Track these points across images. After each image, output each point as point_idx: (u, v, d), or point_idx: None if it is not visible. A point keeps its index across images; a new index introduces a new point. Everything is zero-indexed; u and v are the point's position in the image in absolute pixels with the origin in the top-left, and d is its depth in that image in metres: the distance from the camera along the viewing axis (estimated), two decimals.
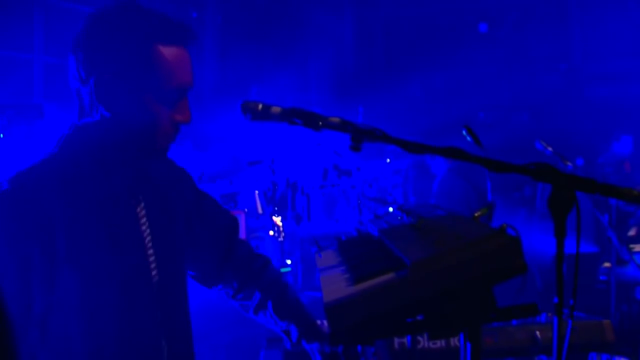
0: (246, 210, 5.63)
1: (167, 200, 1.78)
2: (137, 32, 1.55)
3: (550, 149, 4.01)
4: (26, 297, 1.49)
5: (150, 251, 1.68)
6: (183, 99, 1.63)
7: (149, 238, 1.68)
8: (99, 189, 1.60)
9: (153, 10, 1.61)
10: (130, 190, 1.67)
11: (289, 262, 5.84)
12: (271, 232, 5.84)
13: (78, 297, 1.53)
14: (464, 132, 1.74)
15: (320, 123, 1.51)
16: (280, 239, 5.80)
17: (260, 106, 1.55)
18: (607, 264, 5.06)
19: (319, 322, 2.01)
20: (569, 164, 3.91)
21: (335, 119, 1.51)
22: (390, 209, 2.10)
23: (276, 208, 6.02)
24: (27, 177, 1.55)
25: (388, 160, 6.79)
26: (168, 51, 1.57)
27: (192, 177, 1.98)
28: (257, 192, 6.11)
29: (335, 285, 1.43)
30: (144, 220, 1.68)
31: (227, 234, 2.03)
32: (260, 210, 6.04)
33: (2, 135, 3.53)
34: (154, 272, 1.67)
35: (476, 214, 1.53)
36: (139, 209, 1.68)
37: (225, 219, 2.04)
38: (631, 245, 4.91)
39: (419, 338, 2.51)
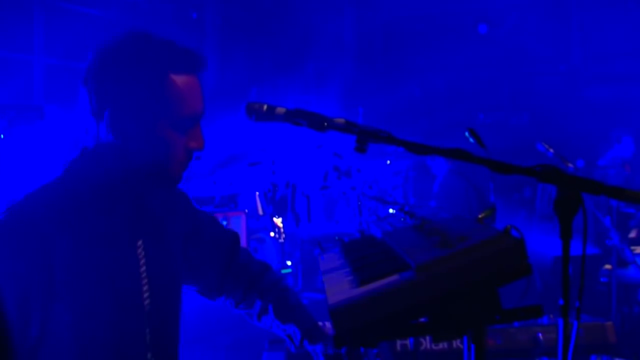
0: (246, 211, 5.62)
1: (164, 231, 1.78)
2: (149, 62, 1.55)
3: (551, 150, 4.01)
4: (21, 329, 1.48)
5: (146, 287, 1.67)
6: (196, 127, 1.63)
7: (144, 268, 1.67)
8: (99, 224, 1.59)
9: (163, 39, 1.60)
10: (130, 226, 1.66)
11: (289, 263, 5.84)
12: (272, 234, 5.84)
13: (70, 329, 1.52)
14: (466, 134, 1.74)
15: (325, 124, 1.51)
16: (281, 240, 5.80)
17: (265, 107, 1.55)
18: (607, 266, 5.06)
19: (320, 323, 2.01)
20: (571, 165, 3.92)
21: (341, 120, 1.51)
22: (392, 210, 2.10)
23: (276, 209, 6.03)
24: (28, 207, 1.53)
25: (388, 161, 6.79)
26: (180, 80, 1.57)
27: (189, 198, 1.98)
28: (257, 193, 6.11)
29: (339, 287, 1.42)
30: (142, 255, 1.68)
31: (227, 252, 2.03)
32: (260, 212, 6.04)
33: (2, 136, 3.52)
34: (146, 302, 1.67)
35: (480, 216, 1.52)
36: (138, 244, 1.67)
37: (224, 238, 2.04)
38: (632, 247, 4.91)
39: (422, 340, 2.51)
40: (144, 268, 1.67)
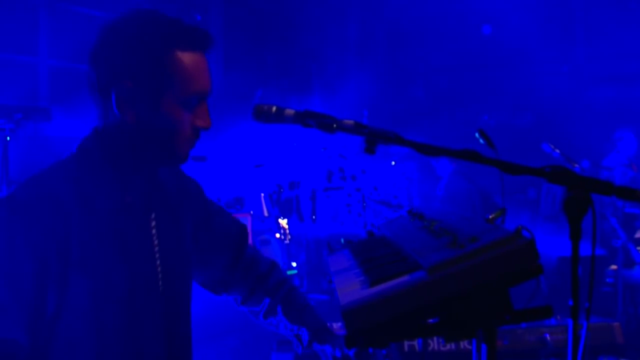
0: (252, 212, 5.63)
1: (176, 211, 1.79)
2: (155, 38, 1.54)
3: (557, 151, 4.01)
4: (40, 300, 1.49)
5: (158, 261, 1.68)
6: (202, 105, 1.63)
7: (157, 248, 1.68)
8: (114, 197, 1.60)
9: (169, 16, 1.60)
10: (144, 200, 1.67)
11: (294, 264, 5.84)
12: (277, 235, 5.84)
13: (87, 301, 1.53)
14: (476, 135, 1.74)
15: (335, 125, 1.52)
16: (286, 241, 5.81)
17: (274, 109, 1.56)
18: (613, 267, 5.06)
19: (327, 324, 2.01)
20: (577, 165, 3.92)
21: (350, 122, 1.52)
22: (401, 212, 2.10)
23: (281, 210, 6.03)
24: (45, 180, 1.55)
25: (393, 162, 6.79)
26: (187, 57, 1.57)
27: (201, 187, 1.98)
28: (262, 194, 6.11)
29: (350, 287, 1.43)
30: (154, 230, 1.68)
31: (236, 244, 2.02)
32: (266, 213, 6.05)
33: (9, 138, 3.54)
34: (160, 282, 1.68)
35: (490, 217, 1.53)
36: (151, 217, 1.68)
37: (233, 229, 2.03)
38: (638, 248, 4.91)
39: (429, 340, 2.51)
40: (156, 242, 1.68)
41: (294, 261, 5.86)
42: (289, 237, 5.79)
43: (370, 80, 9.56)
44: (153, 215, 1.68)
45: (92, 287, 1.53)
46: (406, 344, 2.48)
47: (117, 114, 1.56)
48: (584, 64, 9.32)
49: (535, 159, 1.97)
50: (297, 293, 2.07)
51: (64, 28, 6.10)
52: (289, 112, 1.57)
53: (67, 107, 5.38)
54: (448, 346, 2.51)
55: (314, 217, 6.34)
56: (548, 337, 2.63)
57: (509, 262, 1.27)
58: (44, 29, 6.21)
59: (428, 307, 1.28)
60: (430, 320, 1.32)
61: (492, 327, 1.34)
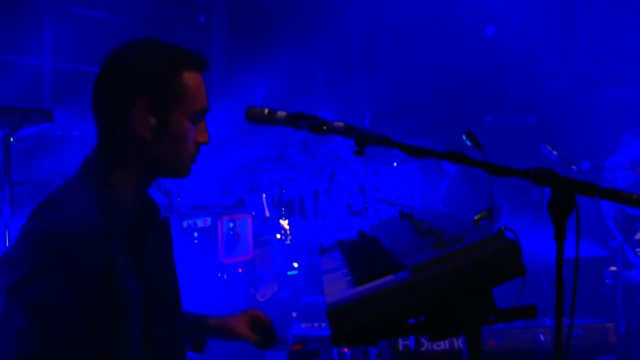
0: (253, 213, 5.65)
1: (163, 223, 1.89)
2: (164, 60, 1.61)
3: (555, 152, 4.02)
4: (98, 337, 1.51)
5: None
6: (203, 122, 1.70)
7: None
8: (135, 208, 1.67)
9: (170, 42, 1.67)
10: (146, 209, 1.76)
11: (295, 265, 5.87)
12: (278, 236, 5.86)
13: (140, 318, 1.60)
14: (463, 137, 1.76)
15: (324, 127, 1.55)
16: (287, 242, 5.83)
17: (265, 111, 1.60)
18: (613, 268, 5.06)
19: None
20: (574, 167, 3.92)
21: (339, 124, 1.55)
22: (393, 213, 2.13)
23: (283, 209, 6.05)
24: (77, 206, 1.53)
25: (395, 163, 6.80)
26: (193, 76, 1.64)
27: None
28: (264, 195, 6.14)
29: (337, 287, 1.45)
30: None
31: None
32: (267, 214, 6.07)
33: (12, 139, 3.57)
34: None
35: (476, 217, 1.55)
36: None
37: None
38: (638, 249, 4.91)
39: (423, 340, 2.53)
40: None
41: (295, 262, 5.88)
42: (290, 237, 5.81)
43: (373, 81, 9.58)
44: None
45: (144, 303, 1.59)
46: (400, 343, 2.50)
47: (133, 131, 1.59)
48: (588, 66, 9.31)
49: (538, 161, 1.98)
50: None
51: (67, 30, 6.13)
52: (281, 114, 1.61)
53: (70, 109, 5.42)
54: (442, 346, 2.53)
55: (315, 218, 6.36)
56: (542, 337, 2.64)
57: (492, 262, 1.29)
58: (47, 31, 6.25)
59: (411, 307, 1.30)
60: (414, 320, 1.35)
61: (475, 327, 1.36)
